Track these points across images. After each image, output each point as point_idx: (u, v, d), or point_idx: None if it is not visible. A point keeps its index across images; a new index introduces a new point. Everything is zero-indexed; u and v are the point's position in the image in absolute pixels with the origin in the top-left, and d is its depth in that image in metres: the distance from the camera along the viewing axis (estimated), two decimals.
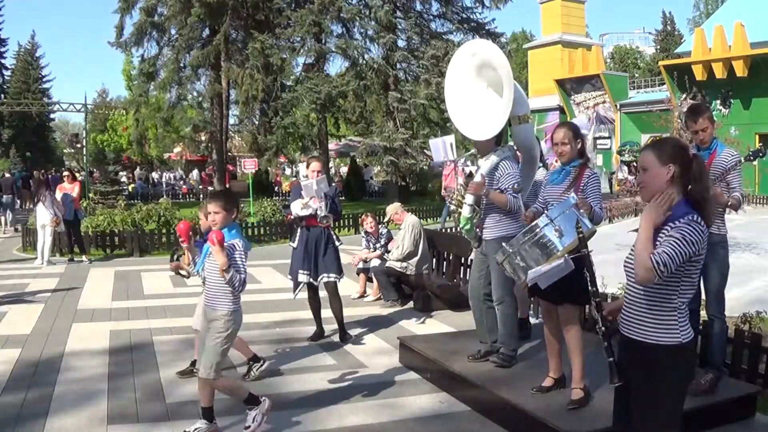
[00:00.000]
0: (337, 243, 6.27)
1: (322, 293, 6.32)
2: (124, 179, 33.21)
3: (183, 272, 4.98)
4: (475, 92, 4.95)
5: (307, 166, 6.26)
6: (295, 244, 6.27)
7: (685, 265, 2.55)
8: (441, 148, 5.47)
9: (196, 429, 4.06)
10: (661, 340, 2.61)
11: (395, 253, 7.92)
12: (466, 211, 4.75)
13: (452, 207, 5.00)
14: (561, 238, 3.56)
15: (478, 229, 4.91)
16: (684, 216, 2.57)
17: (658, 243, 2.58)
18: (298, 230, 6.25)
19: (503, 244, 4.07)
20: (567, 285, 3.83)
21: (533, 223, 3.82)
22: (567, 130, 4.35)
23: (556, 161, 4.73)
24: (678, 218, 2.57)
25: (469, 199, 4.70)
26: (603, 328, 2.94)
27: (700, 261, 2.60)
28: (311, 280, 6.15)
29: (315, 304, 6.37)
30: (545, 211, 3.98)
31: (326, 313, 6.47)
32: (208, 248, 4.02)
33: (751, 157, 4.48)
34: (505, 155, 4.81)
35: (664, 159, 2.65)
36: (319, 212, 5.96)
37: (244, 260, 3.94)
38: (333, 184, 6.35)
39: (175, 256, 5.12)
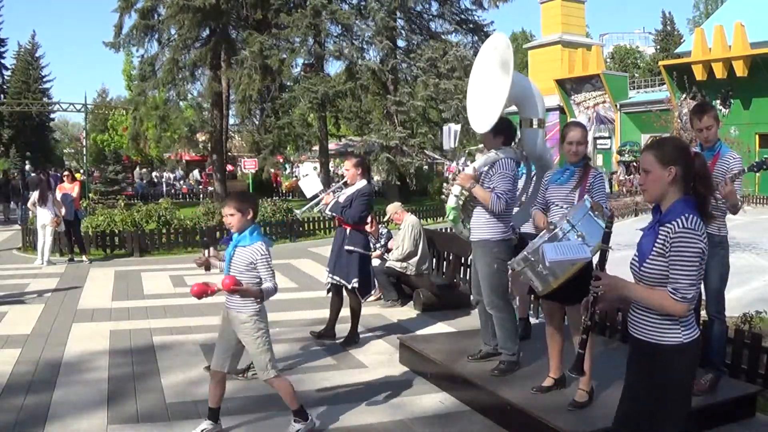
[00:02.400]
0: (347, 246, 6.01)
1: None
2: (137, 179, 33.33)
3: (215, 269, 4.86)
4: (486, 85, 4.84)
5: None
6: None
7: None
8: (446, 134, 5.47)
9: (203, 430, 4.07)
10: (663, 340, 2.61)
11: (395, 253, 7.93)
12: (451, 201, 4.74)
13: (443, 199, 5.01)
14: (584, 241, 3.55)
15: (468, 226, 4.87)
16: (679, 216, 2.55)
17: (658, 249, 2.57)
18: None
19: (524, 251, 4.00)
20: (581, 285, 3.83)
21: (556, 230, 3.80)
22: (583, 130, 4.35)
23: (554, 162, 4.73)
24: (672, 220, 2.56)
25: (456, 189, 4.69)
26: (589, 322, 2.89)
27: (704, 262, 2.59)
28: (329, 279, 6.21)
29: (333, 304, 6.31)
30: (567, 217, 3.92)
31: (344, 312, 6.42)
32: (230, 252, 4.02)
33: (755, 168, 4.42)
34: (507, 155, 4.69)
35: (665, 160, 2.63)
36: (307, 208, 6.20)
37: (268, 266, 3.89)
38: (365, 186, 6.15)
39: (207, 252, 4.94)
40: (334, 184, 6.25)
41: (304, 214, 6.22)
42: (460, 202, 4.71)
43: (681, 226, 2.52)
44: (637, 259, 2.70)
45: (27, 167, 33.36)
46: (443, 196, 5.68)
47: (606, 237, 2.90)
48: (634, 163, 25.09)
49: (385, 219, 8.76)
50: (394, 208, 8.45)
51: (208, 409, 4.15)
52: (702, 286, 4.29)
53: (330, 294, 6.31)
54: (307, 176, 6.13)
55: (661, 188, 2.65)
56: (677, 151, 2.66)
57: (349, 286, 6.05)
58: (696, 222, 2.53)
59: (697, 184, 2.64)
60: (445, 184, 5.71)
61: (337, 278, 6.08)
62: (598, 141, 32.08)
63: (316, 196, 6.14)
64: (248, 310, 3.94)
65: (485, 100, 4.77)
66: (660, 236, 2.59)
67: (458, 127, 5.43)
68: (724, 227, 4.42)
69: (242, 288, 3.82)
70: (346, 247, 6.03)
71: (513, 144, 4.87)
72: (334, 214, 6.09)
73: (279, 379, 4.07)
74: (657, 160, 2.65)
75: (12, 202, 21.36)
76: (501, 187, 4.58)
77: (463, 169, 5.22)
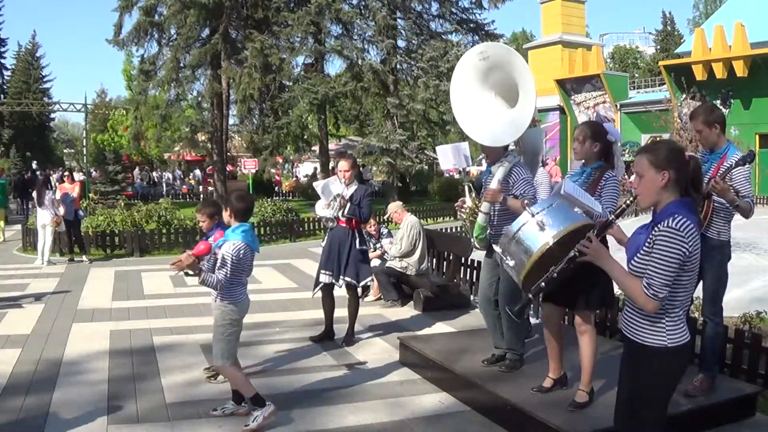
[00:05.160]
0: (358, 246, 6.03)
1: (338, 293, 6.28)
2: (137, 180, 33.35)
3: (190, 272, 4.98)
4: (490, 96, 4.80)
5: (336, 166, 6.21)
6: (323, 244, 6.19)
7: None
8: (451, 155, 5.38)
9: (223, 408, 4.40)
10: (648, 341, 2.65)
11: (393, 248, 7.99)
12: (481, 219, 4.64)
13: (463, 216, 4.93)
14: (542, 231, 3.49)
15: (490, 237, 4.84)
16: (668, 217, 2.57)
17: (646, 248, 2.60)
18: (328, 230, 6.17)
19: (494, 246, 4.03)
20: (584, 289, 3.84)
21: (515, 221, 3.81)
22: (583, 128, 4.32)
23: (554, 162, 4.72)
24: (662, 220, 2.59)
25: (485, 206, 4.62)
26: (554, 275, 2.92)
27: (691, 265, 2.59)
28: (333, 280, 6.04)
29: (327, 305, 6.24)
30: (527, 208, 3.95)
31: (338, 312, 6.38)
32: (219, 242, 4.38)
33: (741, 162, 4.41)
34: (516, 161, 4.73)
35: (659, 164, 2.64)
36: (330, 213, 5.89)
37: (228, 261, 4.14)
38: (362, 185, 6.15)
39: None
40: (338, 186, 6.06)
41: (329, 222, 6.02)
42: (495, 247, 4.65)
43: (665, 225, 2.55)
44: (627, 255, 2.74)
45: (35, 167, 33.63)
46: (461, 213, 5.50)
47: (621, 212, 2.89)
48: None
49: (386, 216, 8.77)
50: (394, 207, 8.47)
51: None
52: (700, 287, 4.33)
53: (318, 294, 6.20)
54: (326, 182, 5.94)
55: (654, 193, 2.66)
56: (671, 155, 2.67)
57: (361, 284, 6.13)
58: (682, 223, 2.54)
59: (689, 185, 2.67)
60: (465, 206, 5.61)
61: (349, 279, 6.01)
62: None
63: (351, 198, 5.97)
64: (219, 299, 4.26)
65: (500, 112, 4.73)
66: (651, 235, 2.62)
67: (466, 144, 5.33)
68: (725, 233, 4.38)
69: (196, 261, 4.12)
70: (360, 247, 6.04)
71: (509, 149, 4.85)
72: (352, 217, 5.97)
73: (227, 368, 4.29)
74: (651, 164, 2.66)
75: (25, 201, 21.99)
76: (530, 192, 4.62)
77: (467, 173, 5.19)
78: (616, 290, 5.86)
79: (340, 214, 5.92)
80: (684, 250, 2.52)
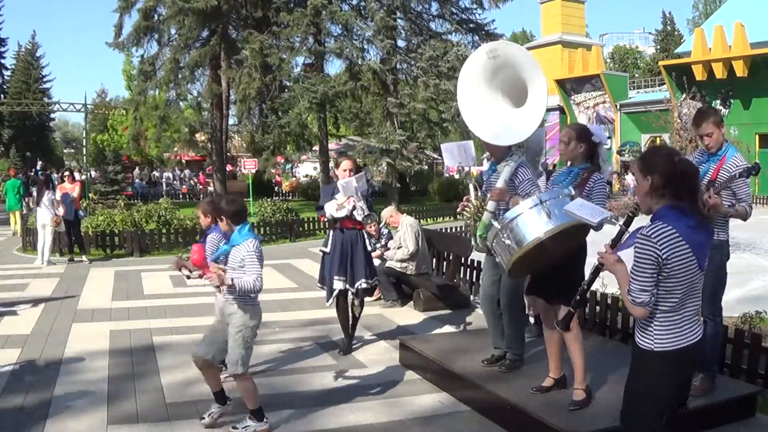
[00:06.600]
0: (369, 247, 5.91)
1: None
2: (136, 179, 33.38)
3: (186, 272, 4.91)
4: (498, 95, 4.77)
5: (337, 166, 5.97)
6: (327, 249, 5.82)
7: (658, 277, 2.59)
8: (456, 153, 5.37)
9: (245, 428, 4.10)
10: (639, 343, 2.73)
11: (399, 253, 7.88)
12: (486, 218, 4.65)
13: (466, 215, 4.91)
14: (548, 219, 3.59)
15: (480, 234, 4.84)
16: (648, 223, 2.63)
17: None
18: (331, 233, 5.85)
19: (492, 221, 4.09)
20: (565, 285, 3.84)
21: (522, 203, 3.86)
22: (568, 129, 4.38)
23: (554, 164, 4.74)
24: (642, 229, 2.64)
25: (491, 205, 4.60)
26: (585, 287, 3.13)
27: (672, 271, 2.59)
28: (347, 286, 5.75)
29: (343, 313, 5.94)
30: (536, 194, 4.02)
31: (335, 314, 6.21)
32: (224, 249, 4.20)
33: (745, 175, 4.40)
34: (521, 160, 4.71)
35: (644, 170, 2.69)
36: (356, 213, 5.66)
37: (254, 262, 4.00)
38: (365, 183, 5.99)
39: (182, 255, 5.07)
40: (364, 185, 5.84)
41: (368, 219, 5.80)
42: (494, 222, 4.65)
43: (640, 232, 2.60)
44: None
45: (39, 167, 33.82)
46: (465, 213, 5.40)
47: (628, 220, 2.95)
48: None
49: (382, 225, 8.74)
50: (388, 212, 8.49)
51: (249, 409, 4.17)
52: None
53: (331, 302, 5.88)
54: (353, 179, 5.71)
55: (643, 198, 2.72)
56: (656, 160, 2.70)
57: (372, 283, 5.99)
58: (654, 230, 2.57)
59: (679, 189, 2.66)
60: (470, 204, 5.49)
61: (366, 282, 5.84)
62: None
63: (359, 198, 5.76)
64: (237, 303, 4.06)
65: (509, 111, 4.72)
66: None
67: (471, 143, 5.30)
68: (723, 232, 4.37)
69: (211, 272, 3.97)
70: (369, 249, 5.93)
71: (513, 148, 4.85)
72: (373, 214, 5.83)
73: (244, 377, 4.10)
74: (639, 170, 2.72)
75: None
76: (535, 192, 4.55)
77: (467, 171, 5.19)
78: (601, 288, 6.00)
79: (363, 211, 5.75)
80: (654, 255, 2.54)
